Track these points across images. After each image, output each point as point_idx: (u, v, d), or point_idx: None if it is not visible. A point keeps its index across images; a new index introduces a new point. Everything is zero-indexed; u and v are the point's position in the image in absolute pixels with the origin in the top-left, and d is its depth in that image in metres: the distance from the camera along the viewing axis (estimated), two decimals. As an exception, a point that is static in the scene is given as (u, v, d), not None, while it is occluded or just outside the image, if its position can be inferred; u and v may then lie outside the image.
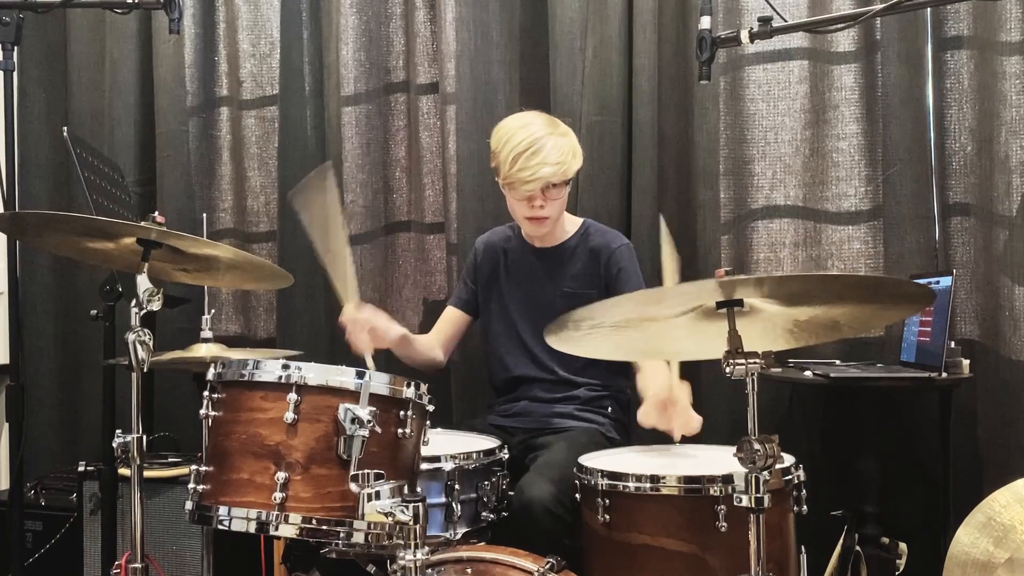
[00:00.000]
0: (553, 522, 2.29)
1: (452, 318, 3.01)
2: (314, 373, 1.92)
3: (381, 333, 2.71)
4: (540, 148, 2.61)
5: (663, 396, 2.39)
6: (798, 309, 1.86)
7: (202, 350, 2.75)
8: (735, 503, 1.81)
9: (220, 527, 1.92)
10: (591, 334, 2.01)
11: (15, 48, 2.84)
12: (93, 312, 2.83)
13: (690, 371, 2.65)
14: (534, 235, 2.81)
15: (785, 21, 2.38)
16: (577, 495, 2.28)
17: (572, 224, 2.87)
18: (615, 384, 2.81)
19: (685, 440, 2.61)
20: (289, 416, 1.88)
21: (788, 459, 2.22)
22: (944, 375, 2.65)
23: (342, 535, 1.89)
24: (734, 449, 1.80)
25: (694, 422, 2.39)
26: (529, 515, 2.30)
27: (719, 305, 1.83)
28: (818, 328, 1.97)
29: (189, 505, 1.96)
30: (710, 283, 1.77)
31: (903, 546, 2.71)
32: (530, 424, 2.75)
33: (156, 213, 2.23)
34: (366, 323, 2.67)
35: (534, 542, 2.21)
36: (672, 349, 2.23)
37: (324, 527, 1.88)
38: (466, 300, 2.99)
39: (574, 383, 2.78)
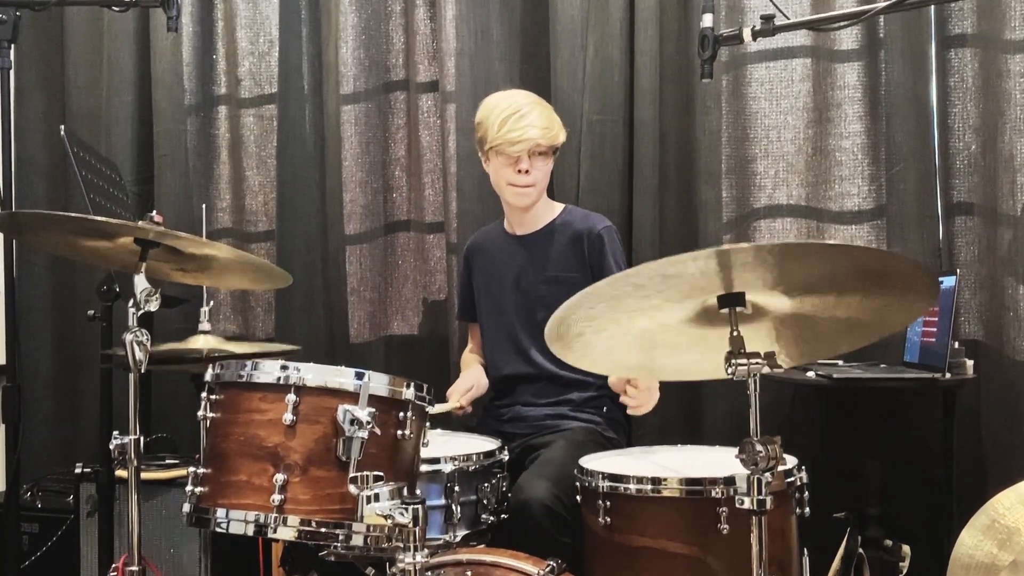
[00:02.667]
0: (551, 520, 2.28)
1: (476, 331, 3.04)
2: (313, 374, 1.90)
3: (479, 392, 2.87)
4: (528, 113, 2.69)
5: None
6: (800, 305, 1.83)
7: (200, 342, 2.73)
8: (737, 505, 1.80)
9: (218, 529, 1.91)
10: (593, 341, 1.98)
11: (12, 46, 2.83)
12: (90, 312, 2.81)
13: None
14: (518, 204, 2.80)
15: (788, 19, 2.37)
16: (578, 496, 2.26)
17: (553, 209, 2.87)
18: (606, 382, 2.78)
19: (686, 442, 2.61)
20: (288, 417, 1.87)
21: (790, 460, 2.21)
22: (948, 376, 2.64)
23: (341, 537, 1.88)
24: (736, 451, 1.79)
25: (645, 407, 2.48)
26: (527, 514, 2.29)
27: (721, 304, 1.81)
28: (820, 338, 1.96)
29: (187, 507, 1.95)
30: (711, 254, 1.72)
31: (906, 548, 2.70)
32: (525, 430, 2.73)
33: (154, 212, 2.22)
34: (469, 397, 2.82)
35: (532, 541, 2.21)
36: (674, 364, 2.19)
37: (323, 529, 1.86)
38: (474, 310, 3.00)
39: (563, 380, 2.75)
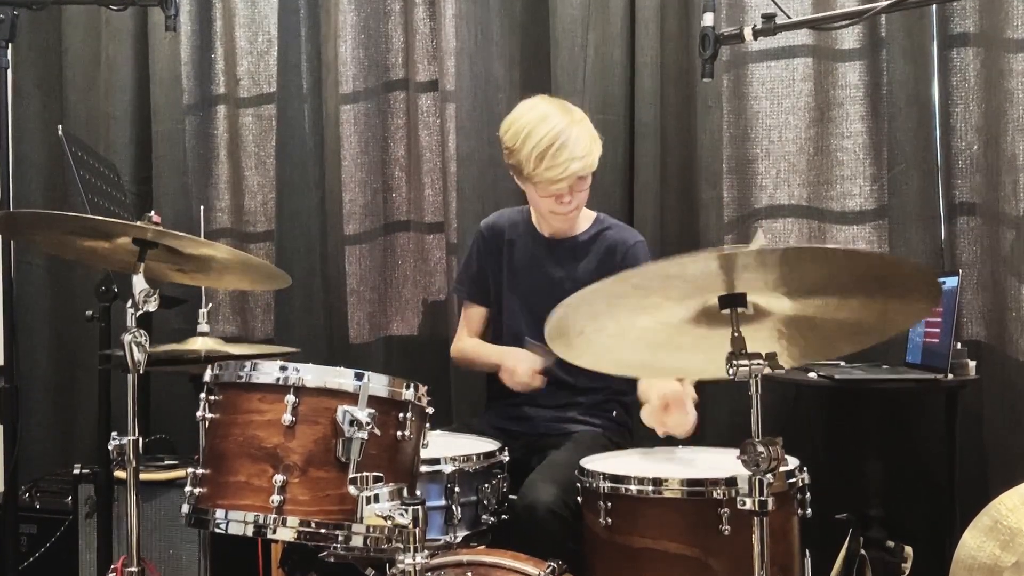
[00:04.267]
0: (557, 524, 2.27)
1: (482, 317, 2.89)
2: (312, 375, 1.89)
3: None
4: (565, 143, 2.50)
5: (667, 396, 2.33)
6: (802, 306, 1.83)
7: (198, 343, 2.72)
8: (738, 506, 1.79)
9: (217, 530, 1.90)
10: (594, 339, 1.97)
11: (9, 45, 2.82)
12: (88, 313, 2.80)
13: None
14: (560, 227, 2.76)
15: (789, 18, 2.36)
16: (579, 498, 2.25)
17: (585, 217, 2.79)
18: (617, 387, 2.77)
19: (687, 442, 2.60)
20: (287, 418, 1.86)
21: (792, 461, 2.20)
22: (950, 376, 2.64)
23: (341, 538, 1.87)
24: (737, 451, 1.78)
25: (687, 425, 2.33)
26: (533, 517, 2.27)
27: (722, 305, 1.80)
28: (821, 340, 1.95)
29: (186, 508, 1.94)
30: (711, 254, 1.71)
31: (908, 549, 2.69)
32: (532, 429, 2.72)
33: (152, 212, 2.21)
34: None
35: (537, 545, 2.18)
36: (678, 363, 2.18)
37: (323, 530, 1.85)
38: (486, 292, 2.87)
39: (574, 387, 2.74)
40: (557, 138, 2.50)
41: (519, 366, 2.58)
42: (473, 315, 2.90)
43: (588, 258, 2.76)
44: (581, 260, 2.76)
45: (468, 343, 2.88)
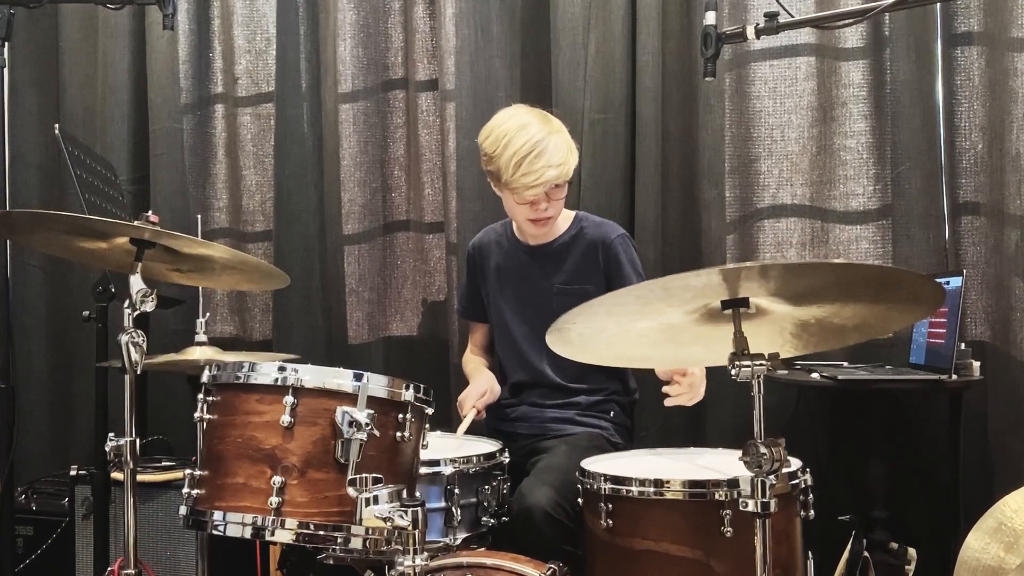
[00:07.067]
0: (553, 527, 2.26)
1: (483, 332, 2.97)
2: (311, 375, 1.88)
3: (493, 398, 2.78)
4: (543, 151, 2.54)
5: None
6: (805, 310, 1.82)
7: (196, 353, 2.70)
8: (741, 508, 1.78)
9: (215, 532, 1.89)
10: (594, 338, 1.96)
11: (6, 44, 2.81)
12: (85, 313, 2.79)
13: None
14: (536, 234, 2.76)
15: (792, 17, 2.35)
16: (579, 500, 2.24)
17: (565, 219, 2.81)
18: (615, 388, 2.76)
19: (688, 444, 2.59)
20: (285, 419, 1.85)
21: (795, 463, 2.19)
22: (954, 377, 2.63)
23: (339, 540, 1.86)
24: (740, 453, 1.77)
25: (695, 397, 2.40)
26: (529, 520, 2.26)
27: (724, 305, 1.79)
28: (825, 333, 1.94)
29: (183, 510, 1.93)
30: (714, 273, 1.71)
31: (912, 551, 2.69)
32: (531, 430, 2.71)
33: (150, 212, 2.21)
34: (484, 403, 2.75)
35: (534, 548, 2.18)
36: (679, 355, 2.17)
37: (321, 532, 1.84)
38: (483, 309, 2.92)
39: (572, 390, 2.73)
40: (536, 146, 2.55)
41: (465, 400, 2.72)
42: (476, 331, 2.99)
43: (569, 260, 2.76)
44: (563, 263, 2.76)
45: (468, 362, 2.97)
